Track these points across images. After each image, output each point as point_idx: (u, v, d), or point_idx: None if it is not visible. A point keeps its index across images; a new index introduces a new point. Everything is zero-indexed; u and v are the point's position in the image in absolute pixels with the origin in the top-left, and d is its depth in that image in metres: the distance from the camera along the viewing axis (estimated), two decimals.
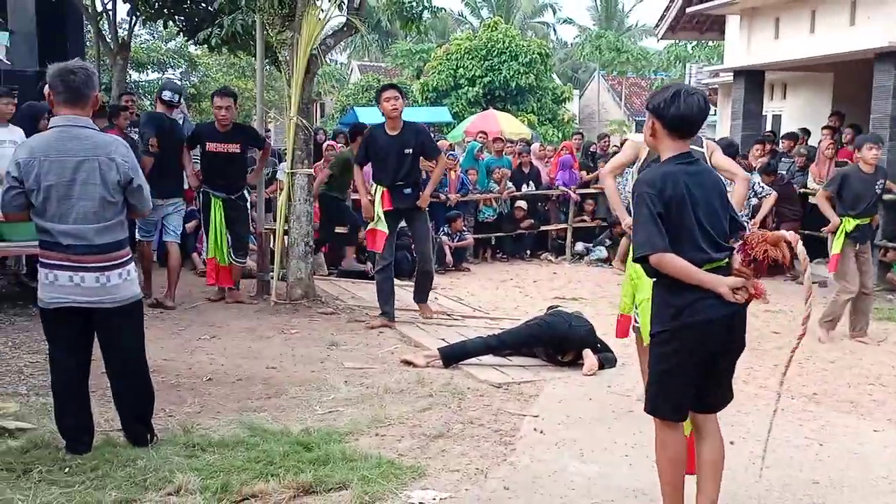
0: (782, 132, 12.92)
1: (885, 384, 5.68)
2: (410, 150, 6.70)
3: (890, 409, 5.23)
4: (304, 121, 7.42)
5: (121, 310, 3.84)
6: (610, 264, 11.33)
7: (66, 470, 3.64)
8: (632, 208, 3.25)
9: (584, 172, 12.34)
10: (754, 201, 8.36)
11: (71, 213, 3.69)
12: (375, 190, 6.76)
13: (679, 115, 3.05)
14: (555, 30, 44.48)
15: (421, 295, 7.21)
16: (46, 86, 3.95)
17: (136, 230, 7.05)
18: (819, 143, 11.46)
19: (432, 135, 26.38)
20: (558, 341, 5.81)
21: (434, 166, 7.18)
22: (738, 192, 4.95)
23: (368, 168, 7.14)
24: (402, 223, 7.07)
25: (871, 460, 4.23)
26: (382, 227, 6.70)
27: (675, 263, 2.97)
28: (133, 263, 3.98)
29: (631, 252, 3.17)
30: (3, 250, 6.39)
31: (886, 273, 9.89)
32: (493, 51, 27.12)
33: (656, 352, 3.13)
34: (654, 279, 3.13)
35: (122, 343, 3.94)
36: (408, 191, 6.75)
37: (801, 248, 3.08)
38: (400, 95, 6.65)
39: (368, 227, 6.92)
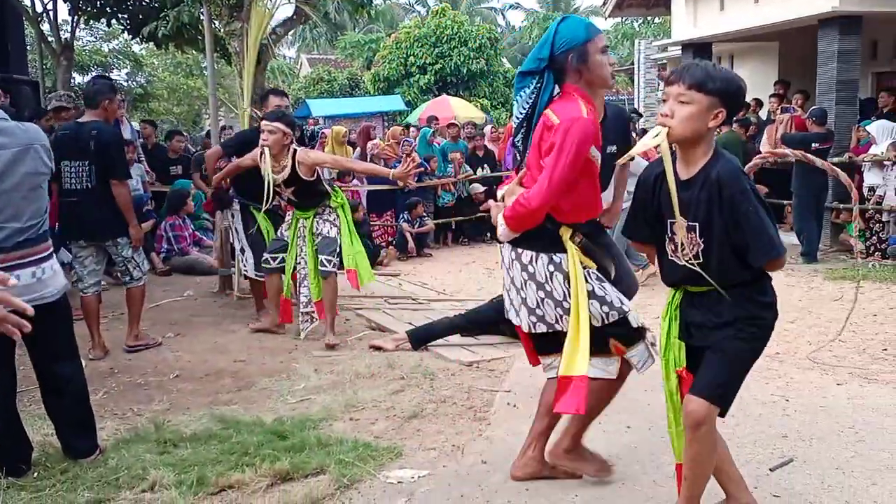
0: None
1: (844, 340, 5.80)
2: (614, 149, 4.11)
3: (850, 363, 5.35)
4: (257, 112, 7.33)
5: (56, 304, 3.57)
6: None
7: (35, 475, 3.57)
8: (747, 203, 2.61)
9: None
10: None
11: (8, 209, 3.42)
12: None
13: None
14: (503, 14, 44.62)
15: None
16: None
17: None
18: (769, 111, 11.66)
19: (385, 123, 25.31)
20: None
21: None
22: None
23: None
24: None
25: (836, 412, 4.32)
26: None
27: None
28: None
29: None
30: None
31: (839, 234, 10.10)
32: (443, 37, 27.02)
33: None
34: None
35: (60, 342, 3.68)
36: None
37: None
38: None
39: None
